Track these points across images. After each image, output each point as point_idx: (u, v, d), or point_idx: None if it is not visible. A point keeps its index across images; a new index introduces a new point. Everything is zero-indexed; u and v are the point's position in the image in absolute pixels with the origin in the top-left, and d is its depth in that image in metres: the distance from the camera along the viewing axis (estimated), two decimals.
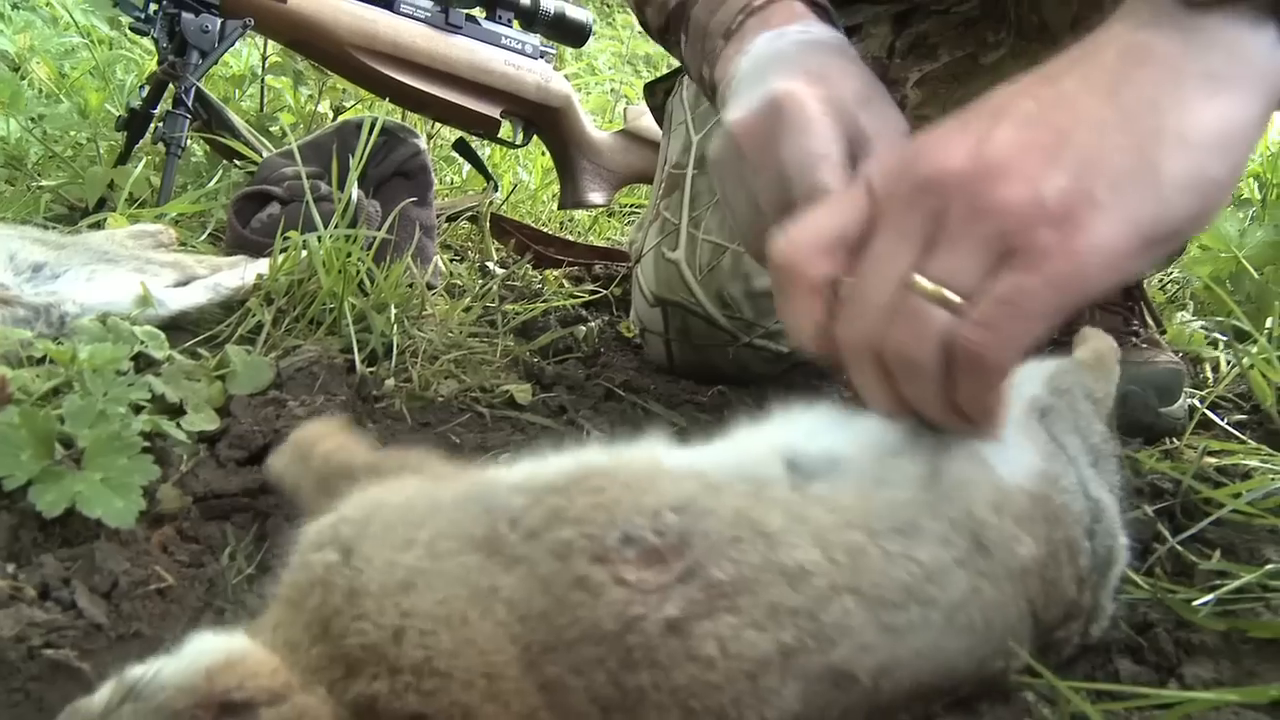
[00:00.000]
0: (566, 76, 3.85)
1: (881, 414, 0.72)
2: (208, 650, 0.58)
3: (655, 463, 0.65)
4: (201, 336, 1.28)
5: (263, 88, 2.41)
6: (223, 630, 0.62)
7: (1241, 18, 0.67)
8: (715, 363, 1.46)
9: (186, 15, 1.78)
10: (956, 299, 0.65)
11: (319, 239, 1.35)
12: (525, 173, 2.75)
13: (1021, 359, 0.68)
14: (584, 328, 1.59)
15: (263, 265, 1.38)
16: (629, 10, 5.50)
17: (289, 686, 0.56)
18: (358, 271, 1.36)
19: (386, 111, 2.44)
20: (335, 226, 1.38)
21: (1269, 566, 0.91)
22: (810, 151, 0.87)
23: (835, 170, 0.87)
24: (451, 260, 1.97)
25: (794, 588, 0.59)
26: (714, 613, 0.58)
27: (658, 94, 1.76)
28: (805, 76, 0.93)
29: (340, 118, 2.39)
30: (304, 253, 1.35)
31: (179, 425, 1.02)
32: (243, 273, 1.35)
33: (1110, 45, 0.70)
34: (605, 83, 4.20)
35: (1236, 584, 0.89)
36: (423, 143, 1.68)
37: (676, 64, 1.78)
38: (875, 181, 0.73)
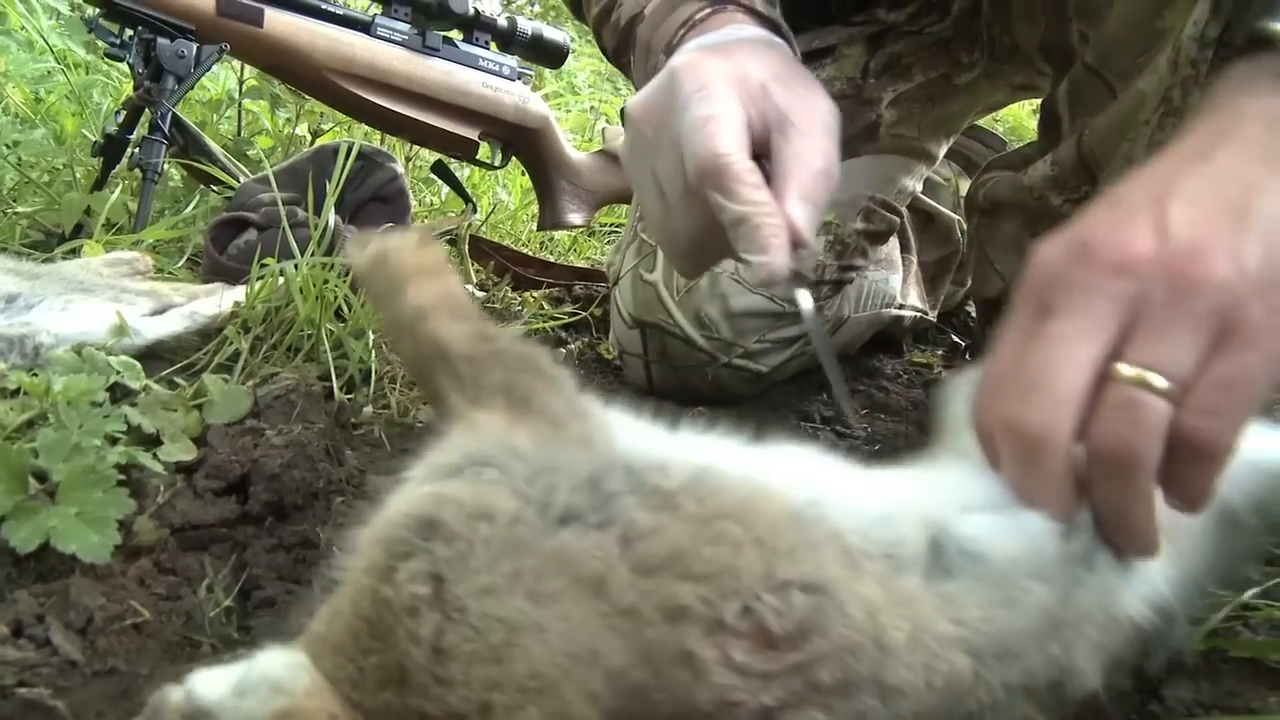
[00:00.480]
0: (546, 95, 3.86)
1: (1049, 513, 0.65)
2: (269, 685, 0.54)
3: (798, 511, 0.59)
4: (178, 365, 1.27)
5: (240, 112, 2.41)
6: (287, 650, 0.58)
7: None
8: (694, 384, 1.46)
9: (162, 40, 1.77)
10: (1166, 385, 0.61)
11: (295, 266, 1.34)
12: (505, 193, 2.75)
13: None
14: (563, 350, 1.59)
15: (239, 292, 1.37)
16: None
17: None
18: (335, 298, 1.36)
19: (364, 135, 2.45)
20: (313, 253, 1.38)
21: (1250, 590, 0.90)
22: (704, 117, 0.84)
23: (733, 133, 0.83)
24: None
25: (884, 703, 0.57)
26: (805, 706, 0.55)
27: None
28: (709, 53, 0.91)
29: (318, 141, 2.39)
30: (281, 280, 1.35)
31: (155, 456, 1.01)
32: (219, 300, 1.35)
33: (1251, 118, 0.69)
34: (585, 101, 4.21)
35: (1221, 605, 0.88)
36: (400, 167, 1.68)
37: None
38: (1034, 278, 0.68)
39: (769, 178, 0.86)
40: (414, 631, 0.53)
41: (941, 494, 0.66)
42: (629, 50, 1.20)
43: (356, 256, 0.74)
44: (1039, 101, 1.48)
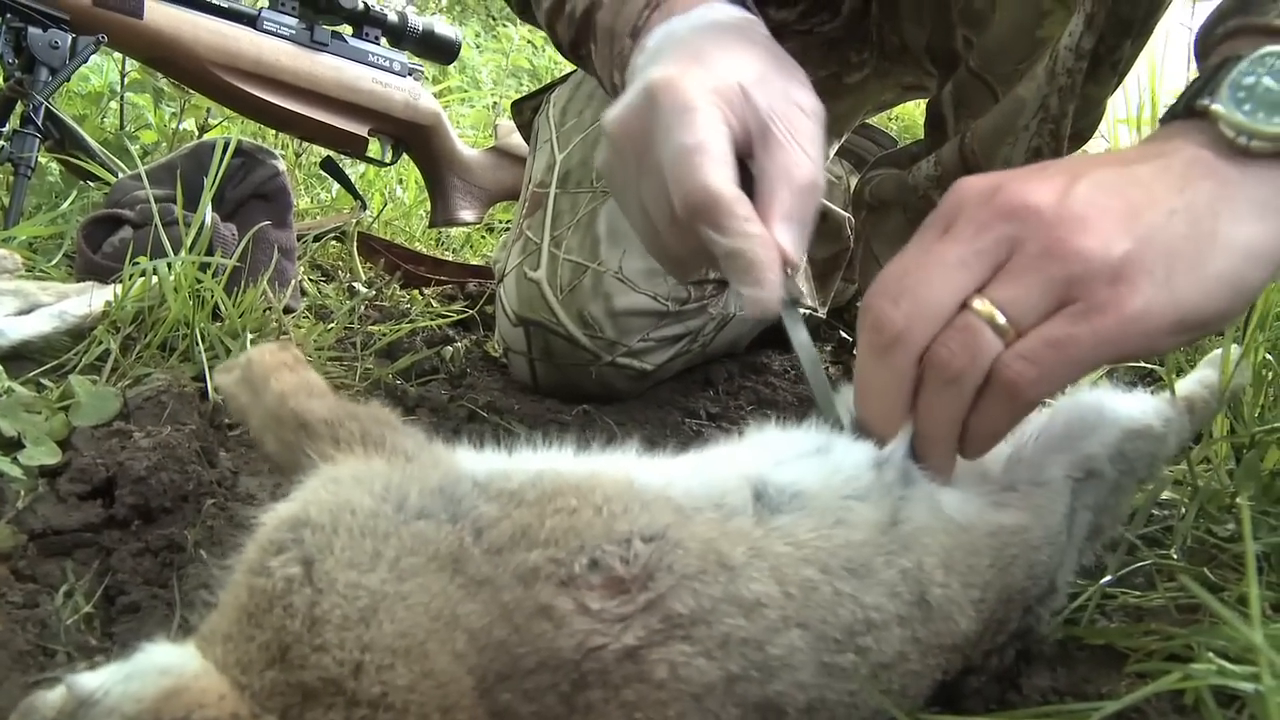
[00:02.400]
0: (448, 90, 3.83)
1: (873, 409, 0.74)
2: (159, 669, 0.57)
3: (628, 483, 0.66)
4: (47, 366, 1.23)
5: (122, 105, 2.35)
6: (177, 643, 0.61)
7: None
8: (579, 382, 1.47)
9: (34, 30, 1.72)
10: (1004, 324, 0.69)
11: (169, 264, 1.32)
12: (401, 189, 2.72)
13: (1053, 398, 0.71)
14: (450, 348, 1.58)
15: (110, 292, 1.34)
16: (514, 24, 5.49)
17: (236, 718, 0.55)
18: (210, 297, 1.34)
19: (253, 131, 2.40)
20: (190, 251, 1.35)
21: (1106, 577, 0.94)
22: (687, 147, 0.83)
23: (718, 166, 0.83)
24: (319, 281, 1.94)
25: (748, 619, 0.61)
26: (669, 641, 0.59)
27: (525, 112, 1.76)
28: (686, 61, 0.89)
29: (205, 136, 2.34)
30: (154, 279, 1.32)
31: (15, 460, 0.99)
32: (89, 300, 1.31)
33: (1180, 152, 0.75)
34: (488, 97, 4.18)
35: (1079, 594, 0.92)
36: (281, 164, 1.66)
37: (546, 82, 1.79)
38: (948, 202, 0.76)
39: (753, 186, 0.86)
40: (290, 606, 0.57)
41: (755, 455, 0.73)
42: (588, 40, 1.18)
43: (223, 378, 0.81)
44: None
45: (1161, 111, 0.87)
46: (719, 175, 0.82)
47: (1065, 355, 0.68)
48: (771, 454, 0.73)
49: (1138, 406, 0.89)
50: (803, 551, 0.65)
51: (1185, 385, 1.03)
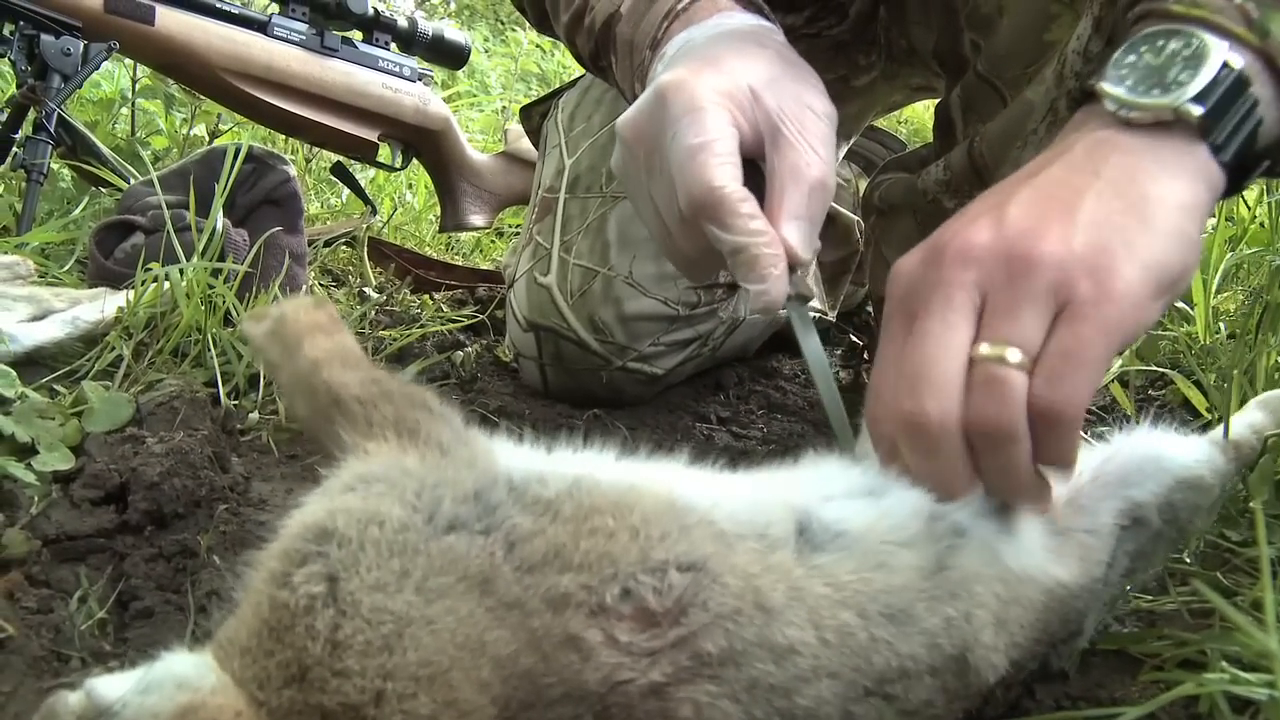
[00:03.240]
0: (458, 95, 3.84)
1: (949, 495, 0.71)
2: (174, 682, 0.56)
3: (669, 502, 0.63)
4: (60, 372, 1.24)
5: (134, 111, 2.35)
6: (194, 652, 0.60)
7: (1178, 138, 0.76)
8: (589, 386, 1.47)
9: (46, 37, 1.73)
10: (1019, 358, 0.68)
11: (180, 270, 1.32)
12: (411, 194, 2.73)
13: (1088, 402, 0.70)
14: (461, 353, 1.58)
15: (123, 297, 1.35)
16: (523, 28, 5.49)
17: None
18: (223, 302, 1.34)
19: (263, 137, 2.41)
20: (201, 256, 1.36)
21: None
22: (694, 146, 0.85)
23: (723, 165, 0.85)
24: (330, 286, 1.94)
25: (778, 665, 0.60)
26: (697, 680, 0.58)
27: (533, 117, 1.77)
28: (697, 65, 0.91)
29: (216, 141, 2.35)
30: (167, 284, 1.33)
31: (29, 466, 0.99)
32: (102, 306, 1.32)
33: (1077, 143, 0.77)
34: (497, 101, 4.19)
35: None
36: (292, 170, 1.66)
37: (555, 87, 1.79)
38: (894, 293, 0.75)
39: (763, 188, 0.87)
40: (311, 627, 0.55)
41: (805, 487, 0.71)
42: (609, 52, 1.19)
43: (252, 328, 0.77)
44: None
45: None
46: (723, 173, 0.84)
47: (1082, 359, 0.68)
48: (821, 488, 0.71)
49: (1192, 455, 0.87)
50: (842, 594, 0.63)
51: (1236, 429, 1.00)
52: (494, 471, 0.63)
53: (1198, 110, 0.75)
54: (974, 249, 0.71)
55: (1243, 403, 1.22)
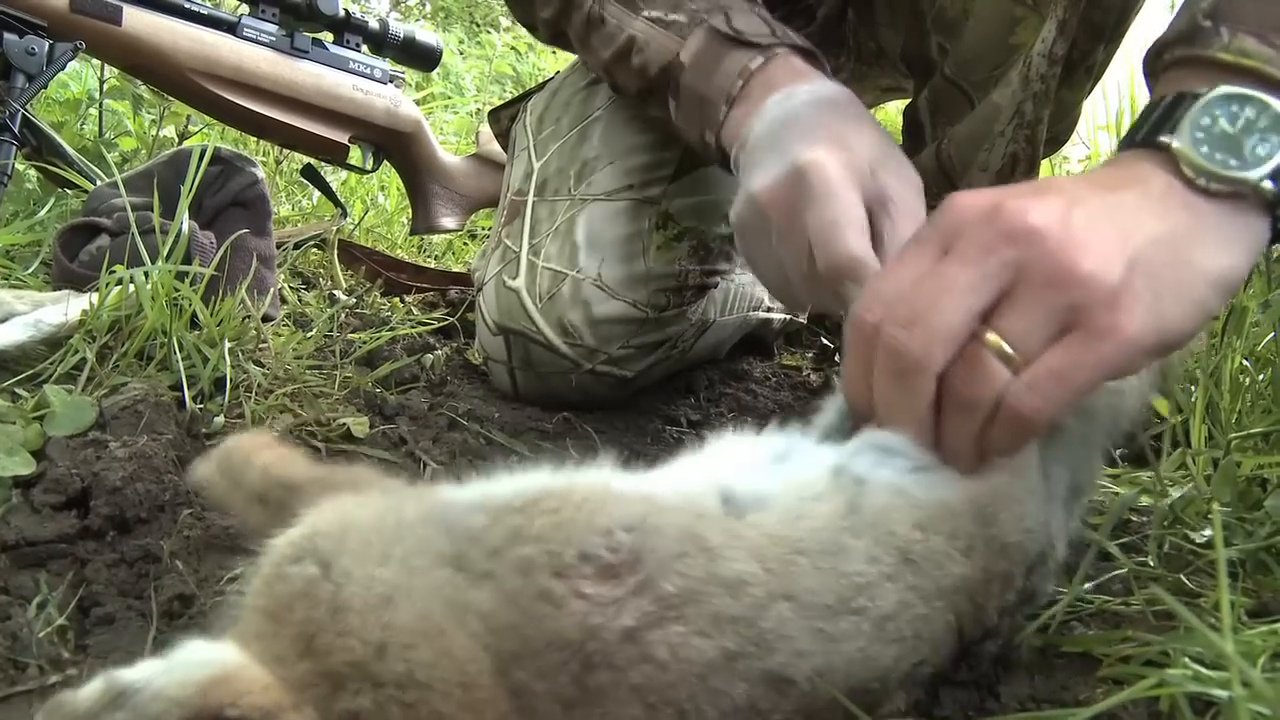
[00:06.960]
0: (432, 96, 3.83)
1: (899, 425, 0.77)
2: (201, 661, 0.59)
3: (605, 486, 0.69)
4: (21, 376, 1.23)
5: (101, 112, 2.33)
6: (214, 641, 0.63)
7: (1246, 211, 0.79)
8: (559, 390, 1.46)
9: (10, 36, 1.70)
10: (1012, 355, 0.73)
11: (145, 273, 1.31)
12: (383, 196, 2.72)
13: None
14: (431, 356, 1.58)
15: (87, 300, 1.33)
16: (497, 30, 5.46)
17: (280, 707, 0.56)
18: (189, 305, 1.33)
19: (234, 139, 2.40)
20: (167, 259, 1.35)
21: (1086, 585, 0.95)
22: (834, 221, 0.96)
23: (860, 236, 0.96)
24: (299, 289, 1.93)
25: (734, 597, 0.64)
26: (664, 622, 0.62)
27: (502, 120, 1.76)
28: (826, 144, 1.01)
29: (186, 143, 2.33)
30: (131, 287, 1.32)
31: None
32: (65, 308, 1.30)
33: (1154, 180, 0.80)
34: (471, 104, 4.18)
35: (1058, 600, 0.92)
36: (260, 172, 1.65)
37: (524, 89, 1.79)
38: (944, 219, 0.78)
39: (875, 240, 0.99)
40: (313, 596, 0.60)
41: (718, 463, 0.78)
42: (665, 95, 1.25)
43: (203, 469, 0.83)
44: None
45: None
46: (860, 244, 0.96)
47: (1069, 383, 0.72)
48: (733, 462, 0.77)
49: None
50: (774, 540, 0.68)
51: None
52: (445, 499, 0.69)
53: (1273, 188, 0.78)
54: (1030, 233, 0.73)
55: (1208, 408, 1.23)
